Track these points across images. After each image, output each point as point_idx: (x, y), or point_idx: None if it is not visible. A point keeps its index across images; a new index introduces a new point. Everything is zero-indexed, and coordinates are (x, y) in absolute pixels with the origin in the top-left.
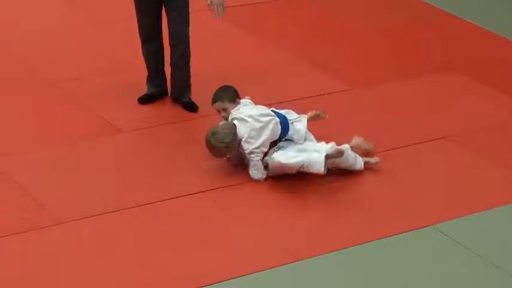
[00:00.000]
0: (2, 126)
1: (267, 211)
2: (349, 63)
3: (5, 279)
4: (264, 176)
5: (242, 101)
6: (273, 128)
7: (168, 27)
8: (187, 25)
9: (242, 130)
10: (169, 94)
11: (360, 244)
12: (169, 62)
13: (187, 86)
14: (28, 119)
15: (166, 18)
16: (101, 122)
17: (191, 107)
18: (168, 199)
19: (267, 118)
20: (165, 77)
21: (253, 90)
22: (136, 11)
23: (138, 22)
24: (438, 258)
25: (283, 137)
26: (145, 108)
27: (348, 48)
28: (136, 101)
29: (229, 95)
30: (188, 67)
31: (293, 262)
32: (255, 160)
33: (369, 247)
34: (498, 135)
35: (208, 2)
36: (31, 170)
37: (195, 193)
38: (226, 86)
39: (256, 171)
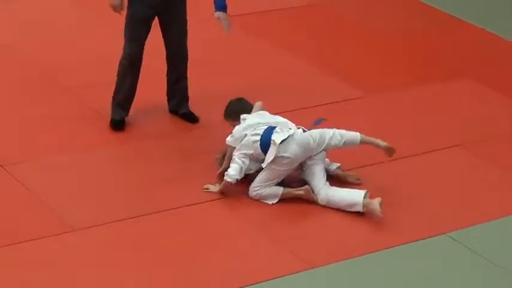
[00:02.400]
0: (16, 133)
1: (278, 219)
2: (364, 70)
3: (20, 286)
4: (238, 177)
5: (260, 112)
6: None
7: (170, 43)
8: (187, 37)
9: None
10: (168, 107)
11: (373, 252)
12: (168, 75)
13: (187, 98)
14: (42, 126)
15: (162, 32)
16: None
17: (192, 118)
18: (180, 207)
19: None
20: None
21: (269, 98)
22: (127, 38)
23: (125, 49)
24: (451, 266)
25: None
26: (158, 116)
27: (362, 55)
28: (111, 126)
29: (231, 115)
30: (187, 79)
31: (307, 270)
32: (236, 159)
33: (382, 255)
34: (510, 140)
35: (216, 16)
36: (45, 176)
37: (207, 201)
38: (234, 101)
39: (232, 170)
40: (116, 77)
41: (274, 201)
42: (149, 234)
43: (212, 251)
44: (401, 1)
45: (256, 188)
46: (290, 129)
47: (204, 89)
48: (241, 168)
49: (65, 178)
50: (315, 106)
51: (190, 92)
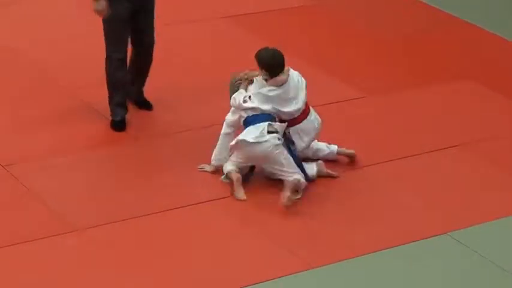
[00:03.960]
0: (16, 133)
1: (278, 218)
2: (365, 71)
3: (19, 286)
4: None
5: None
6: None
7: (140, 37)
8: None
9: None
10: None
11: (374, 252)
12: (133, 63)
13: (143, 85)
14: (43, 126)
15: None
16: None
17: (147, 106)
18: (180, 207)
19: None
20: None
21: None
22: (110, 41)
23: (112, 53)
24: (452, 266)
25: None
26: (161, 117)
27: (362, 55)
28: (112, 127)
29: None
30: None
31: (306, 270)
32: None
33: (383, 255)
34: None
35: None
36: (45, 176)
37: (206, 201)
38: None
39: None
40: (107, 79)
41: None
42: (149, 234)
43: (211, 251)
44: (402, 1)
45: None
46: (276, 135)
47: (202, 88)
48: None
49: (65, 178)
50: (315, 106)
51: (191, 92)
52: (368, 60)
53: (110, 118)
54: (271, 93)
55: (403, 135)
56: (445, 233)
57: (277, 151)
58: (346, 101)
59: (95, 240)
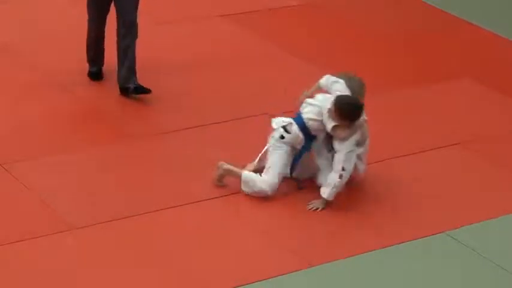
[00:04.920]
0: (15, 132)
1: (277, 217)
2: (362, 70)
3: (18, 285)
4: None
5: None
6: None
7: (120, 15)
8: (137, 9)
9: None
10: (119, 84)
11: (373, 250)
12: (118, 44)
13: (135, 71)
14: (42, 125)
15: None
16: (115, 127)
17: (143, 90)
18: (179, 206)
19: None
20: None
21: (266, 97)
22: (89, 12)
23: (89, 11)
24: (450, 265)
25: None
26: (159, 114)
27: (362, 54)
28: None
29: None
30: (135, 49)
31: (305, 268)
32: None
33: (381, 254)
34: (510, 140)
35: None
36: (44, 175)
37: (207, 199)
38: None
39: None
40: (86, 38)
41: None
42: (147, 232)
43: (211, 249)
44: (401, 0)
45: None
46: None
47: (201, 87)
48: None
49: (64, 177)
50: None
51: (189, 89)
52: (367, 58)
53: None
54: (354, 148)
55: (401, 133)
56: (443, 231)
57: (272, 148)
58: None
59: (94, 239)
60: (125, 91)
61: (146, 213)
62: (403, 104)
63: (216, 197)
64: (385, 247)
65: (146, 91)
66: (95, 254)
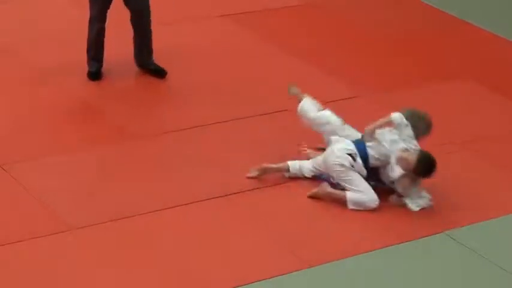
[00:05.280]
0: (14, 132)
1: (276, 218)
2: (362, 70)
3: (18, 285)
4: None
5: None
6: None
7: (130, 5)
8: None
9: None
10: (136, 62)
11: (372, 251)
12: (134, 33)
13: (152, 51)
14: (40, 125)
15: None
16: (113, 128)
17: (161, 72)
18: (177, 206)
19: None
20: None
21: (265, 96)
22: (92, 7)
23: (92, 8)
24: (449, 265)
25: None
26: (157, 115)
27: (361, 55)
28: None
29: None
30: (151, 31)
31: (305, 269)
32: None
33: (380, 254)
34: (509, 142)
35: None
36: (42, 176)
37: (206, 199)
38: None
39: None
40: (87, 37)
41: None
42: (147, 233)
43: (210, 249)
44: (400, 1)
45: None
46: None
47: (200, 88)
48: None
49: (63, 177)
50: None
51: (189, 89)
52: (366, 59)
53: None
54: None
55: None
56: (442, 231)
57: (337, 168)
58: (344, 99)
59: (93, 239)
60: (142, 67)
61: (146, 213)
62: (402, 105)
63: (215, 197)
64: (385, 247)
65: (161, 74)
66: (94, 255)
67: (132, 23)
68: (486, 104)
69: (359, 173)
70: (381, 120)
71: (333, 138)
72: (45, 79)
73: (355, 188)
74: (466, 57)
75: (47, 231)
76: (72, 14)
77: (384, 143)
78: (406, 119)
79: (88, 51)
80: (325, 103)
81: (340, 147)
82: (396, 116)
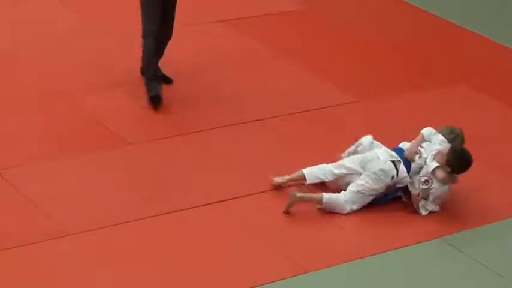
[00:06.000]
0: (10, 137)
1: (273, 223)
2: (358, 76)
3: None
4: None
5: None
6: None
7: (166, 12)
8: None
9: None
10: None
11: (369, 256)
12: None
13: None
14: (36, 130)
15: None
16: (110, 133)
17: (168, 79)
18: (176, 211)
19: None
20: None
21: (262, 102)
22: (145, 16)
23: (146, 27)
24: (447, 270)
25: None
26: (154, 120)
27: (357, 60)
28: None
29: None
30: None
31: (301, 274)
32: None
33: (378, 259)
34: (504, 146)
35: None
36: (39, 181)
37: (203, 205)
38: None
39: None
40: (142, 57)
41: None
42: (144, 238)
43: (208, 255)
44: (396, 7)
45: None
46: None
47: (198, 93)
48: None
49: (59, 182)
50: (309, 110)
51: (187, 95)
52: (361, 64)
53: (147, 95)
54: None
55: (396, 139)
56: (439, 237)
57: (376, 175)
58: (339, 105)
59: (89, 245)
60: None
61: (141, 218)
62: (397, 110)
63: (212, 203)
64: (382, 252)
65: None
66: (89, 260)
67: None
68: (479, 108)
69: (398, 184)
70: (415, 141)
71: (374, 143)
72: (41, 83)
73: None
74: (460, 61)
75: (43, 237)
76: (69, 19)
77: (424, 155)
78: (445, 135)
79: (145, 70)
80: (320, 109)
81: (384, 153)
82: (425, 130)
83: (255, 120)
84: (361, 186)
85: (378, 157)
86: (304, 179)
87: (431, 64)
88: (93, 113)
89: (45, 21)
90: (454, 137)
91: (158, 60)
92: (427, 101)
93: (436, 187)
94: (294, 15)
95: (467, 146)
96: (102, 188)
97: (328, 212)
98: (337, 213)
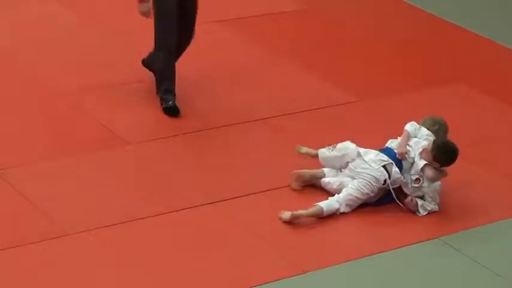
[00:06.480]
0: (10, 137)
1: (271, 224)
2: (358, 75)
3: None
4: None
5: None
6: None
7: (186, 14)
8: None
9: None
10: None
11: (367, 256)
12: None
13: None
14: (36, 130)
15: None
16: (109, 133)
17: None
18: (175, 211)
19: None
20: None
21: (261, 102)
22: (160, 26)
23: (162, 37)
24: (444, 270)
25: None
26: (153, 121)
27: (356, 60)
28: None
29: None
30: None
31: (299, 274)
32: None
33: (376, 259)
34: (504, 146)
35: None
36: (38, 181)
37: (201, 205)
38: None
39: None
40: (156, 68)
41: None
42: (142, 238)
43: (204, 255)
44: (396, 7)
45: None
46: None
47: (196, 93)
48: None
49: (58, 182)
50: (308, 110)
51: (185, 95)
52: (361, 64)
53: (162, 106)
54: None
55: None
56: (437, 237)
57: (367, 179)
58: (339, 105)
59: (88, 245)
60: None
61: (140, 218)
62: (397, 110)
63: (209, 203)
64: (380, 253)
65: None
66: (88, 260)
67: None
68: (481, 109)
69: (392, 184)
70: (402, 140)
71: (361, 150)
72: (40, 84)
73: (349, 192)
74: (460, 61)
75: (42, 237)
76: (68, 20)
77: (412, 155)
78: (428, 128)
79: (160, 82)
80: (320, 108)
81: (376, 160)
82: (407, 126)
83: (255, 120)
84: (354, 190)
85: (370, 165)
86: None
87: (431, 64)
88: (93, 113)
89: (45, 21)
90: (438, 128)
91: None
92: (427, 101)
93: (425, 185)
94: (294, 15)
95: (468, 146)
96: (101, 188)
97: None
98: (335, 213)
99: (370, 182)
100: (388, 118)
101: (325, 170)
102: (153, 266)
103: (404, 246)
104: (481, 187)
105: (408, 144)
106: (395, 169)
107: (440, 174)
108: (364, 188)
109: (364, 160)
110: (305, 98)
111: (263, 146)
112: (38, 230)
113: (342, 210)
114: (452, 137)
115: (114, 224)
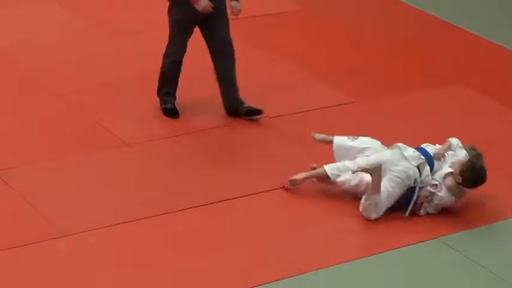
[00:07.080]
0: (9, 138)
1: (269, 224)
2: (357, 75)
3: None
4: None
5: None
6: None
7: (217, 39)
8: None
9: None
10: (225, 110)
11: (366, 257)
12: (217, 76)
13: (238, 91)
14: (36, 131)
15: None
16: (108, 135)
17: (255, 112)
18: (172, 212)
19: None
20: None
21: (260, 103)
22: (173, 31)
23: (172, 41)
24: (443, 271)
25: None
26: (152, 122)
27: (354, 61)
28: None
29: None
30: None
31: (298, 275)
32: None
33: (375, 260)
34: (503, 146)
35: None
36: (37, 182)
37: (201, 205)
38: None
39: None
40: (160, 73)
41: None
42: (142, 238)
43: (203, 256)
44: (395, 7)
45: None
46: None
47: (196, 94)
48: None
49: (56, 183)
50: (308, 110)
51: (184, 96)
52: (359, 65)
53: (161, 107)
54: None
55: (395, 139)
56: (437, 237)
57: (398, 174)
58: (337, 106)
59: (88, 245)
60: (236, 113)
61: (138, 219)
62: (395, 110)
63: (209, 204)
64: (379, 253)
65: (258, 113)
66: (86, 261)
67: (215, 62)
68: (480, 109)
69: (420, 184)
70: (443, 146)
71: (400, 145)
72: (39, 84)
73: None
74: (459, 62)
75: (41, 237)
76: (68, 22)
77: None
78: (467, 151)
79: (162, 86)
80: (318, 109)
81: (413, 155)
82: (453, 139)
83: (255, 121)
84: (388, 189)
85: (403, 156)
86: (327, 176)
87: (430, 64)
88: (93, 114)
89: (45, 22)
90: (476, 155)
91: (235, 96)
92: (427, 101)
93: (441, 195)
94: (293, 15)
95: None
96: (101, 188)
97: (325, 212)
98: (335, 213)
99: (401, 179)
100: (387, 118)
101: (326, 167)
102: (153, 266)
103: (405, 246)
104: (481, 187)
105: (447, 153)
106: (427, 168)
107: (457, 189)
108: (394, 185)
109: (404, 156)
110: (304, 98)
111: (263, 146)
112: (38, 231)
113: (380, 213)
114: (452, 136)
115: (114, 224)
